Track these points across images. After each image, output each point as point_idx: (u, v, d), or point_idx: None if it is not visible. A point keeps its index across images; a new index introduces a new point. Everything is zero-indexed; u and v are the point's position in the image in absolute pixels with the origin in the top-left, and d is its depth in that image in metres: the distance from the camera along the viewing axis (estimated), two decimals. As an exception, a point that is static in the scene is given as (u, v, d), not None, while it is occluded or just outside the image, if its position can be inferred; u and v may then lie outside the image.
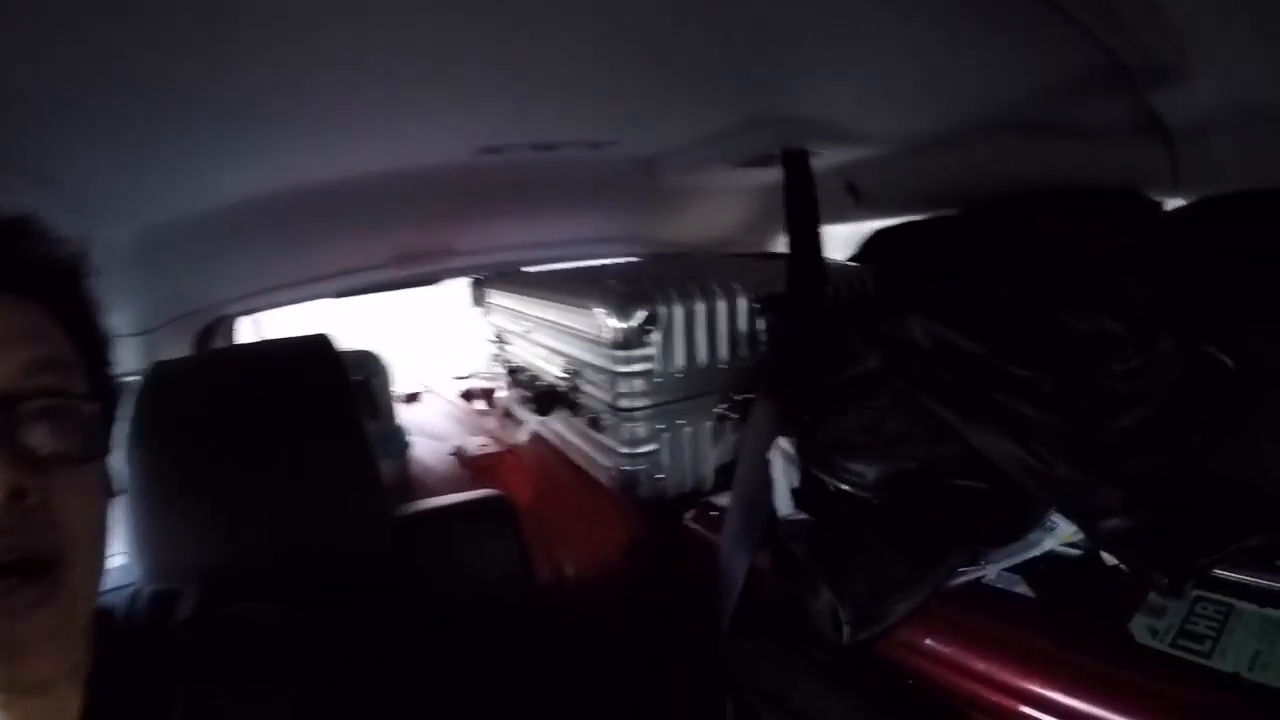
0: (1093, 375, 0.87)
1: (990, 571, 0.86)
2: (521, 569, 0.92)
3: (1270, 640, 0.67)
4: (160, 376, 0.77)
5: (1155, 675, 0.67)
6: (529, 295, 1.36)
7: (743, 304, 1.14)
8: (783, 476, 1.04)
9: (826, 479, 1.01)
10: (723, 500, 1.12)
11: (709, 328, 1.12)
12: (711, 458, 1.17)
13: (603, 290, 1.11)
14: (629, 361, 1.08)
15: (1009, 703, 0.73)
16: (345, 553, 0.78)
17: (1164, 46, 0.90)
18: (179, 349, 1.43)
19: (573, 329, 1.19)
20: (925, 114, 1.25)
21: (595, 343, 1.12)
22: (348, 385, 0.83)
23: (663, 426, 1.12)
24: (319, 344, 0.85)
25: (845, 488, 0.98)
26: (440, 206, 1.51)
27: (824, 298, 1.16)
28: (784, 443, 1.05)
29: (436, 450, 1.46)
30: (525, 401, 1.34)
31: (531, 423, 1.39)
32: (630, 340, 1.06)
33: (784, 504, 1.03)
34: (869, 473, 0.96)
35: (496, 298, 1.57)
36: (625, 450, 1.12)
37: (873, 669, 0.83)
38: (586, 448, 1.22)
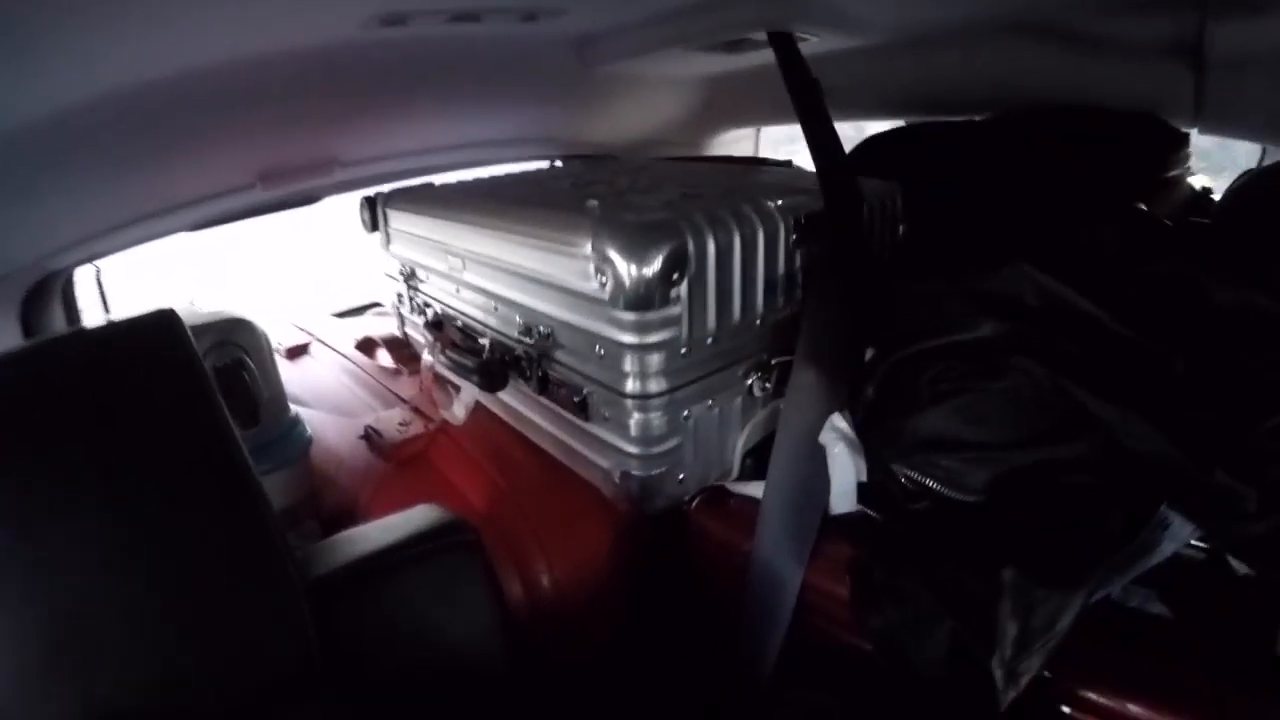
0: (1236, 358, 0.73)
1: (1117, 587, 0.70)
2: (497, 621, 0.69)
3: None
4: None
5: None
6: (459, 220, 0.99)
7: (780, 233, 0.83)
8: (840, 465, 0.80)
9: (911, 474, 0.79)
10: (747, 489, 0.89)
11: (744, 270, 0.81)
12: (740, 441, 0.89)
13: (600, 219, 0.77)
14: (646, 329, 0.75)
15: None
16: (246, 661, 0.55)
17: None
18: (2, 323, 1.16)
19: (541, 275, 0.84)
20: (939, 5, 1.04)
21: (586, 299, 0.78)
22: (211, 399, 0.57)
23: (686, 413, 0.81)
24: (162, 329, 0.57)
25: (934, 485, 0.78)
26: (320, 105, 1.16)
27: (877, 225, 0.93)
28: (839, 420, 0.81)
29: (341, 430, 1.09)
30: (461, 369, 0.98)
31: (470, 394, 1.03)
32: (650, 297, 0.73)
33: (842, 501, 0.81)
34: (976, 475, 0.76)
35: (403, 222, 1.15)
36: (637, 450, 0.80)
37: None
38: (569, 440, 0.90)
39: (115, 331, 0.59)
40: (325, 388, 1.24)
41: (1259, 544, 0.68)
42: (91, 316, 1.34)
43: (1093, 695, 0.65)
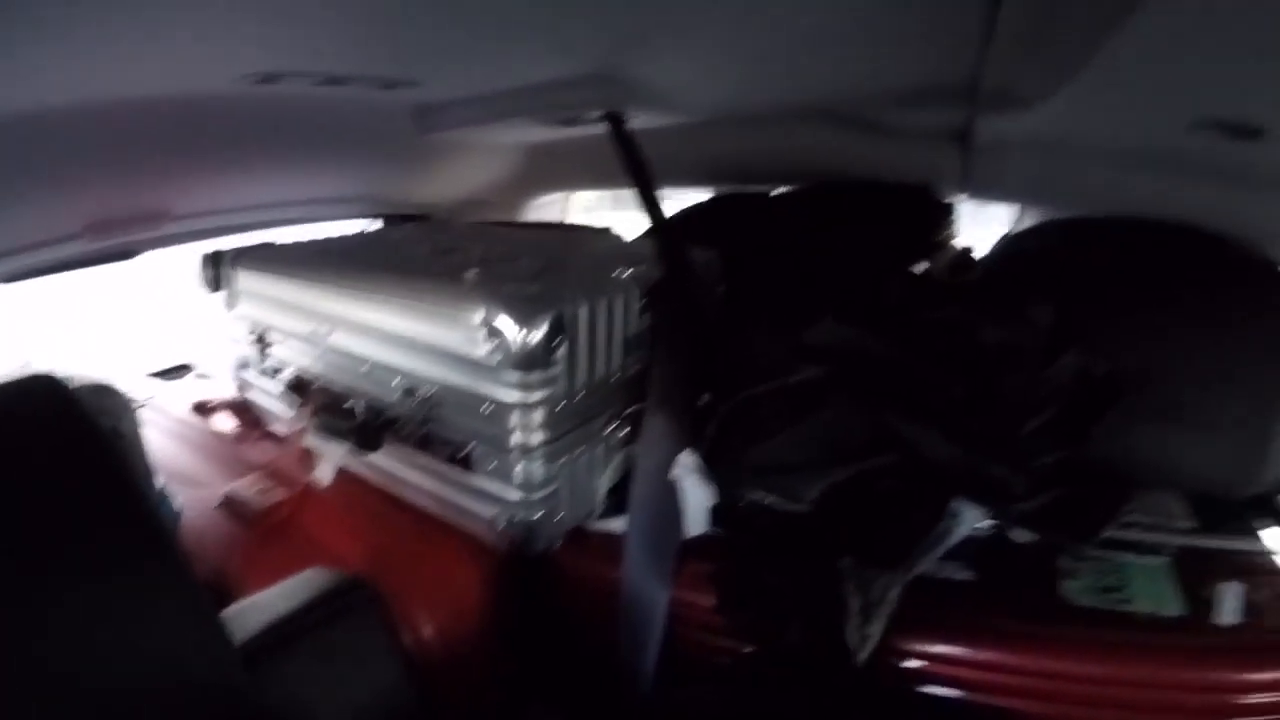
0: (999, 383, 0.92)
1: (931, 563, 0.88)
2: (403, 674, 0.72)
3: (1156, 582, 0.85)
4: None
5: (1097, 628, 0.80)
6: (327, 285, 0.99)
7: (634, 300, 0.94)
8: (692, 494, 0.93)
9: (753, 495, 0.93)
10: (609, 525, 0.98)
11: (608, 331, 0.90)
12: (604, 483, 0.98)
13: (490, 291, 0.83)
14: (530, 388, 0.82)
15: (981, 677, 0.80)
16: None
17: (1024, 81, 0.97)
18: None
19: (425, 341, 0.88)
20: (753, 95, 1.20)
21: (472, 362, 0.84)
22: (116, 462, 0.54)
23: (563, 461, 0.89)
24: (45, 394, 0.55)
25: (772, 501, 0.92)
26: (162, 154, 1.11)
27: (706, 288, 1.05)
28: (687, 457, 0.93)
29: (195, 502, 1.03)
30: (331, 431, 0.98)
31: (336, 456, 1.03)
32: (535, 359, 0.80)
33: (696, 524, 0.93)
34: (810, 489, 0.91)
35: (254, 283, 1.13)
36: (521, 497, 0.87)
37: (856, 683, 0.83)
38: (448, 493, 0.94)
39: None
40: (164, 455, 1.16)
41: (1031, 517, 0.89)
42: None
43: (924, 646, 0.81)
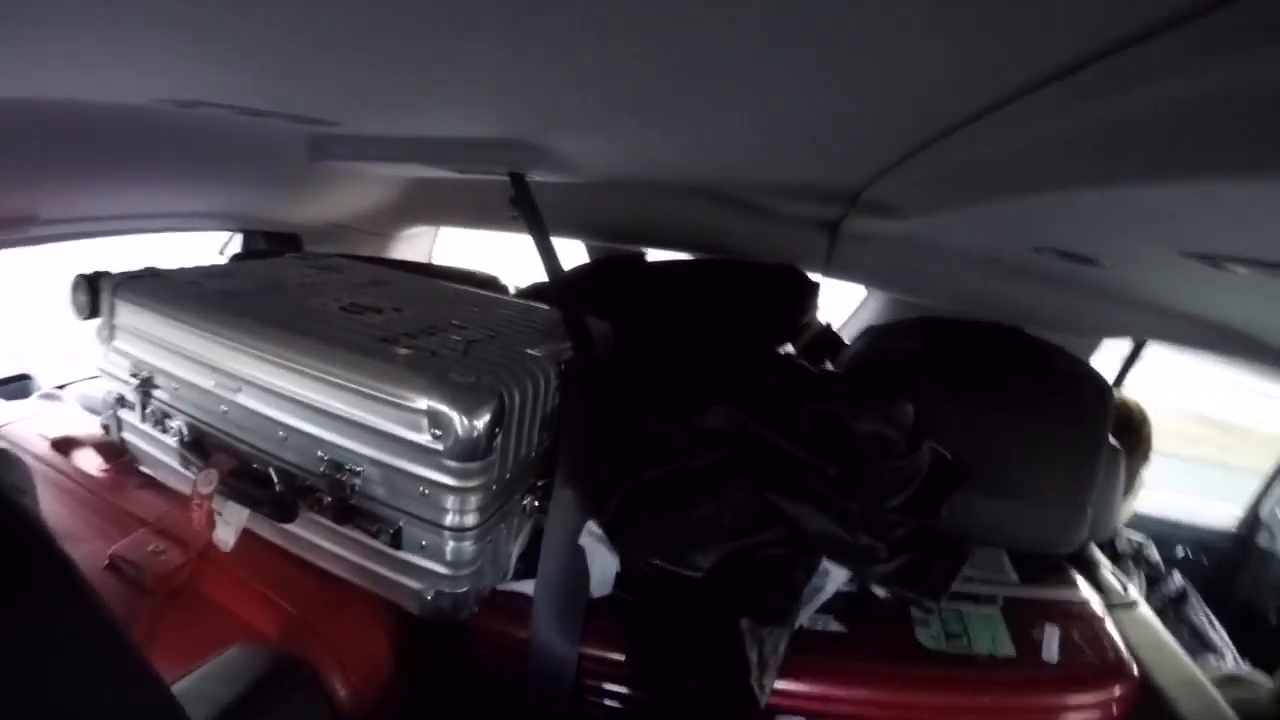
0: (869, 467, 1.08)
1: (805, 618, 1.04)
2: None
3: (991, 627, 1.05)
4: None
5: (946, 667, 0.98)
6: (230, 342, 0.95)
7: (551, 380, 0.99)
8: (599, 559, 1.03)
9: (654, 562, 1.04)
10: (518, 587, 1.04)
11: (532, 412, 0.95)
12: (517, 548, 1.03)
13: (422, 374, 0.84)
14: (470, 475, 0.85)
15: (856, 712, 0.97)
16: None
17: (904, 201, 1.13)
18: None
19: (356, 419, 0.88)
20: (650, 168, 1.27)
21: (409, 445, 0.85)
22: (50, 541, 0.50)
23: (490, 537, 0.92)
24: None
25: (672, 568, 1.04)
26: (39, 159, 1.02)
27: (606, 364, 1.12)
28: (593, 526, 1.03)
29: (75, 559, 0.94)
30: (243, 499, 0.94)
31: (238, 518, 0.98)
32: (478, 448, 0.83)
33: (601, 587, 1.03)
34: (705, 559, 1.03)
35: (140, 320, 1.04)
36: (451, 573, 0.90)
37: None
38: (370, 565, 0.94)
39: None
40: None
41: (890, 577, 1.04)
42: None
43: (807, 689, 0.97)
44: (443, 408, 0.81)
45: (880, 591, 1.08)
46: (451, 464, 0.84)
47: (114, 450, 1.14)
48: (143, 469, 1.13)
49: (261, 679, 0.70)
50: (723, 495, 1.03)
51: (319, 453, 0.92)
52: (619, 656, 0.99)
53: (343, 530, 0.93)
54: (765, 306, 1.41)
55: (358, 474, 0.90)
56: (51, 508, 1.04)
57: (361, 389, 0.86)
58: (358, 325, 0.99)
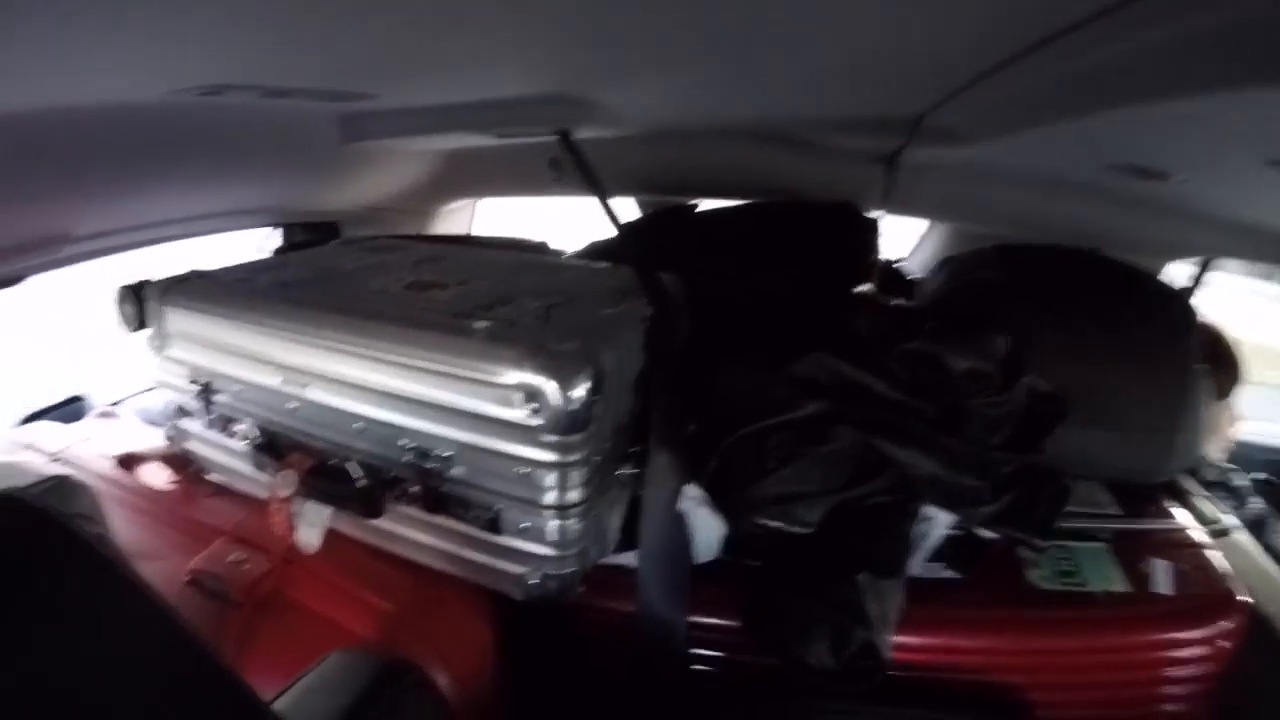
0: (967, 404, 1.04)
1: (916, 566, 1.01)
2: None
3: (1101, 564, 1.03)
4: None
5: (1064, 608, 0.97)
6: (293, 336, 0.90)
7: (637, 336, 0.94)
8: (702, 524, 0.99)
9: (761, 521, 1.00)
10: (618, 560, 1.00)
11: (622, 376, 0.90)
12: (617, 520, 0.98)
13: (509, 345, 0.79)
14: (570, 449, 0.80)
15: (975, 661, 0.94)
16: None
17: (969, 125, 1.06)
18: None
19: (439, 401, 0.83)
20: (698, 113, 1.22)
21: (501, 424, 0.80)
22: (129, 575, 0.50)
23: (594, 512, 0.87)
24: (27, 525, 0.47)
25: (779, 526, 1.00)
26: (69, 174, 0.96)
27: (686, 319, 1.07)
28: (693, 490, 0.99)
29: (151, 577, 0.90)
30: (331, 498, 0.90)
31: (320, 518, 0.94)
32: (577, 420, 0.78)
33: (707, 552, 1.00)
34: (813, 514, 0.99)
35: (192, 324, 0.99)
36: (556, 554, 0.85)
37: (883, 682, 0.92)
38: (467, 553, 0.89)
39: None
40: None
41: (996, 517, 1.00)
42: None
43: (925, 639, 0.95)
44: (538, 380, 0.76)
45: (986, 533, 1.04)
46: (551, 439, 0.79)
47: (180, 462, 1.10)
48: (211, 478, 1.09)
49: (368, 689, 0.66)
50: (828, 446, 0.98)
51: (401, 441, 0.87)
52: (731, 622, 0.96)
53: (435, 520, 0.89)
54: (829, 248, 1.35)
55: (446, 459, 0.85)
56: (124, 527, 1.00)
57: (442, 369, 0.81)
58: (425, 303, 0.94)
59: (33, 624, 0.42)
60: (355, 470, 0.89)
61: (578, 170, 1.07)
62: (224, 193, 1.28)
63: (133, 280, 1.04)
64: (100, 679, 0.44)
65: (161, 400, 1.09)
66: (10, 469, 1.02)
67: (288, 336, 0.91)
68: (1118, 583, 1.00)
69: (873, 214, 1.41)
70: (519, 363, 0.77)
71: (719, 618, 0.97)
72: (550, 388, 0.76)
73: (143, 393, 1.39)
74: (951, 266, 1.33)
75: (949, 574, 1.02)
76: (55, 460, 1.09)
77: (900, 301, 1.36)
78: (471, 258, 1.21)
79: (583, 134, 1.13)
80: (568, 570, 0.87)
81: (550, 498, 0.82)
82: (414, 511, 0.89)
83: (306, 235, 1.59)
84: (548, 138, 1.10)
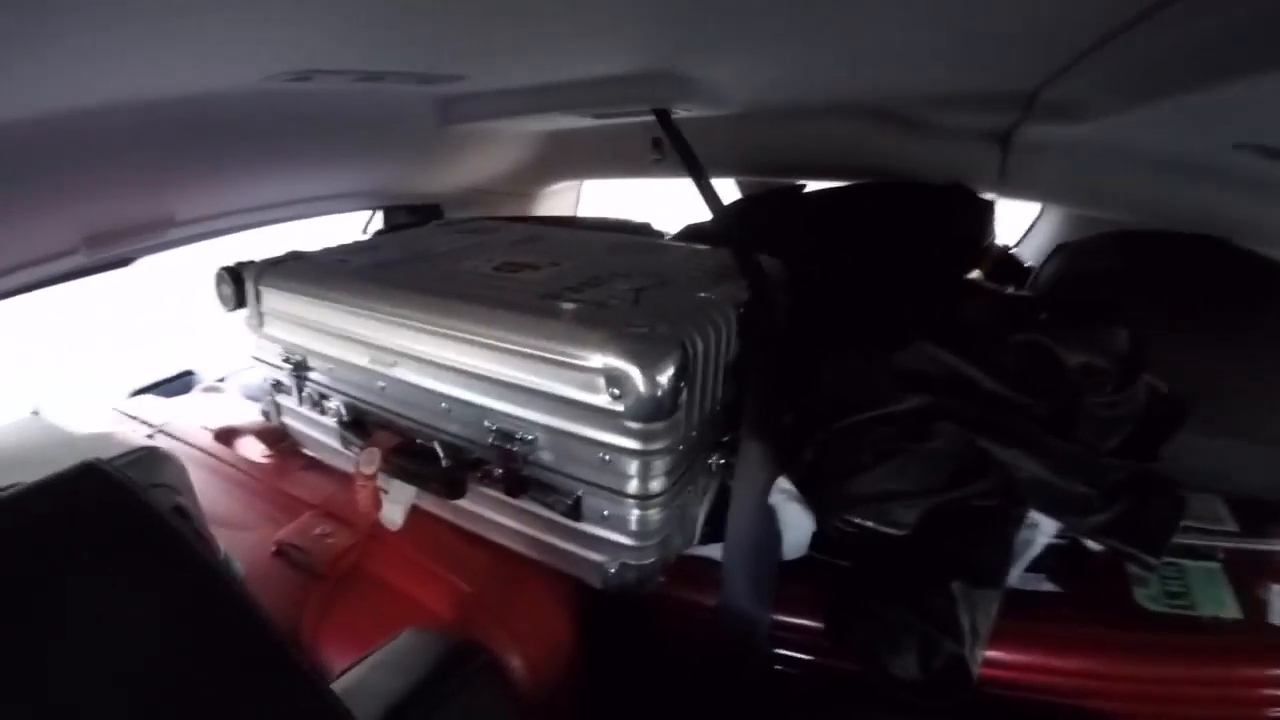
0: (1080, 403, 0.95)
1: (1014, 577, 0.92)
2: None
3: (1214, 586, 0.92)
4: None
5: (1170, 633, 0.86)
6: (383, 315, 0.91)
7: (731, 326, 0.90)
8: (792, 519, 0.94)
9: (854, 520, 0.94)
10: (704, 552, 0.96)
11: (715, 362, 0.87)
12: (703, 511, 0.95)
13: (595, 329, 0.78)
14: (654, 436, 0.78)
15: (1072, 684, 0.85)
16: None
17: (1088, 99, 1.00)
18: None
19: (523, 383, 0.82)
20: (800, 89, 1.18)
21: (585, 408, 0.79)
22: (197, 549, 0.48)
23: (677, 501, 0.85)
24: (108, 494, 0.47)
25: (873, 526, 0.93)
26: (170, 160, 1.02)
27: (785, 305, 1.03)
28: (784, 482, 0.94)
29: (239, 547, 0.93)
30: (413, 478, 0.92)
31: (405, 496, 0.96)
32: (663, 407, 0.76)
33: (795, 549, 0.95)
34: (909, 514, 0.93)
35: (287, 303, 1.02)
36: (637, 544, 0.83)
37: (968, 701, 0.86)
38: (547, 538, 0.89)
39: (47, 506, 0.47)
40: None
41: (1105, 528, 0.92)
42: None
43: (1018, 657, 0.86)
44: (621, 364, 0.74)
45: (1092, 545, 0.95)
46: (633, 426, 0.77)
47: (275, 436, 1.14)
48: (305, 452, 1.12)
49: (436, 668, 0.66)
50: (929, 443, 0.92)
51: (486, 423, 0.87)
52: (816, 625, 0.91)
53: (516, 503, 0.88)
54: (939, 231, 1.28)
55: (529, 443, 0.84)
56: (218, 497, 1.05)
57: (528, 350, 0.80)
58: (515, 284, 0.93)
59: (102, 591, 0.43)
60: (439, 451, 0.90)
61: (675, 148, 1.05)
62: (325, 176, 1.32)
63: (231, 262, 1.08)
64: (161, 648, 0.44)
65: (259, 377, 1.13)
66: (108, 439, 1.07)
67: (376, 316, 0.92)
68: (1231, 609, 0.90)
69: (987, 196, 1.34)
70: (603, 346, 0.75)
71: (804, 618, 0.92)
72: (634, 373, 0.74)
73: (247, 369, 1.44)
74: (1066, 253, 1.24)
75: (1048, 587, 0.94)
76: (157, 432, 1.14)
77: (1011, 290, 1.28)
78: (567, 239, 1.20)
79: (682, 113, 1.11)
80: (648, 560, 0.85)
81: (632, 486, 0.80)
82: (496, 494, 0.89)
83: (409, 218, 1.62)
84: (647, 117, 1.08)
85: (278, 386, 1.09)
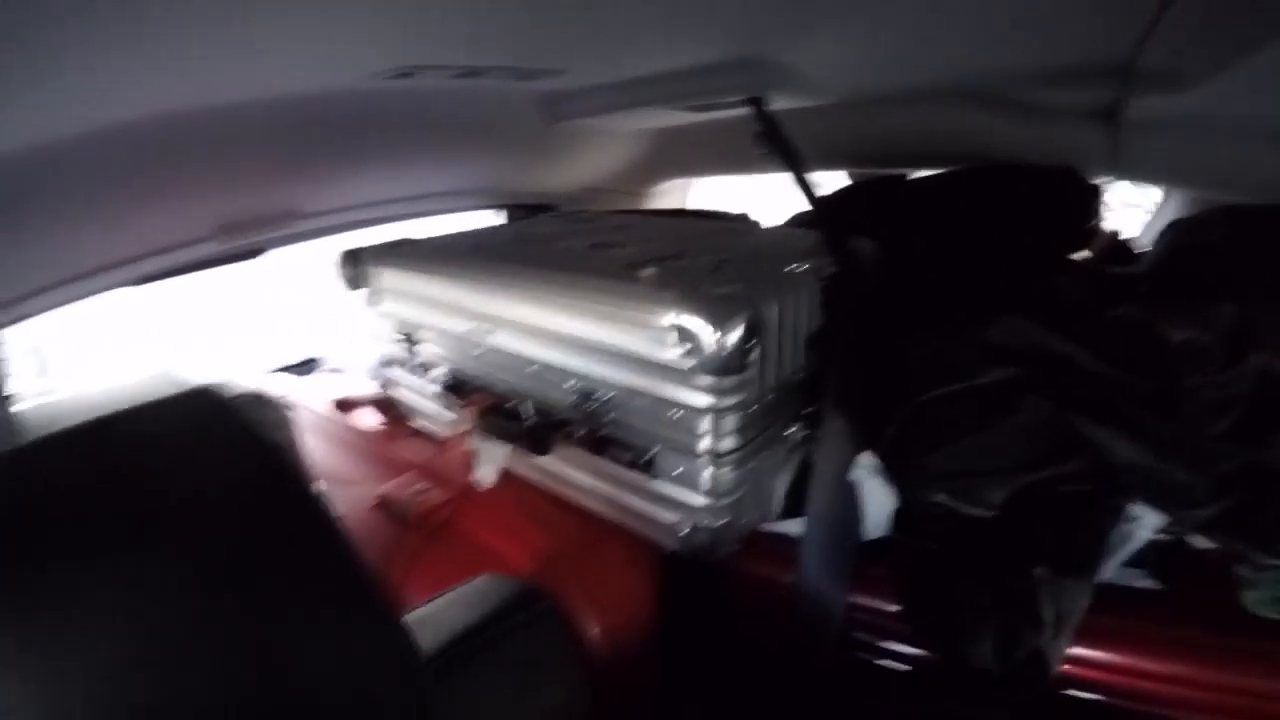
0: (1183, 383, 0.90)
1: (1110, 571, 0.87)
2: (583, 681, 0.70)
3: None
4: None
5: (1276, 640, 0.78)
6: (487, 284, 0.99)
7: (813, 296, 0.92)
8: (873, 496, 0.92)
9: (937, 499, 0.91)
10: (783, 527, 0.96)
11: (793, 330, 0.89)
12: (782, 485, 0.96)
13: (669, 288, 0.82)
14: (724, 393, 0.81)
15: (1165, 690, 0.79)
16: None
17: (1186, 61, 0.94)
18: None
19: (604, 343, 0.87)
20: (895, 74, 1.17)
21: (659, 365, 0.83)
22: (295, 475, 0.52)
23: (751, 464, 0.87)
24: (212, 410, 0.52)
25: (958, 505, 0.90)
26: (293, 155, 1.13)
27: (875, 281, 1.03)
28: (867, 458, 0.92)
29: (346, 502, 1.03)
30: (499, 434, 0.98)
31: (497, 456, 1.03)
32: (730, 363, 0.78)
33: (875, 528, 0.92)
34: (996, 494, 0.88)
35: (399, 281, 1.13)
36: (708, 504, 0.86)
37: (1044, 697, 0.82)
38: (625, 497, 0.93)
39: (158, 417, 0.52)
40: (311, 455, 1.16)
41: (1213, 524, 0.86)
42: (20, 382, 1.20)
43: (1107, 656, 0.81)
44: (691, 322, 0.78)
45: (1199, 541, 0.89)
46: (703, 381, 0.80)
47: (388, 405, 1.25)
48: (414, 423, 1.21)
49: (502, 605, 0.68)
50: (1016, 417, 0.89)
51: (568, 384, 0.92)
52: (893, 608, 0.89)
53: (596, 463, 0.93)
54: (1040, 212, 1.24)
55: (608, 401, 0.89)
56: (331, 457, 1.16)
57: (607, 311, 0.85)
58: (604, 257, 1.00)
59: (195, 487, 0.48)
60: (527, 410, 0.96)
61: (769, 140, 1.07)
62: (439, 173, 1.43)
63: (352, 246, 1.20)
64: (248, 557, 0.48)
65: (376, 352, 1.24)
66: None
67: (476, 286, 1.00)
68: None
69: (1098, 180, 1.29)
70: (676, 304, 0.79)
71: (882, 601, 0.90)
72: (703, 329, 0.77)
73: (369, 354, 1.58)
74: (1170, 230, 1.18)
75: (1146, 583, 0.87)
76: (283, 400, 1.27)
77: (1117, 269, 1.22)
78: (662, 224, 1.26)
79: (778, 104, 1.14)
80: (720, 522, 0.87)
81: (704, 444, 0.83)
82: (579, 454, 0.94)
83: (526, 217, 1.72)
84: (744, 111, 1.12)
85: (390, 360, 1.19)
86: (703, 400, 0.81)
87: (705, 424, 0.82)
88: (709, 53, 1.03)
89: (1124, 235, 1.36)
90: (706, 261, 0.93)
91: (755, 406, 0.85)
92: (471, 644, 0.64)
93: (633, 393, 0.87)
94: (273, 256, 1.37)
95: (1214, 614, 0.81)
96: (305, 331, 1.65)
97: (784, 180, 1.12)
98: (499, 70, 0.99)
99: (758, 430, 0.87)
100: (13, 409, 1.08)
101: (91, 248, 1.08)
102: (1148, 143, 1.19)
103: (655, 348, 0.82)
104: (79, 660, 0.41)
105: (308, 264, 1.56)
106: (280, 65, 0.82)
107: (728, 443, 0.83)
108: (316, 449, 1.19)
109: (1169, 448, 0.87)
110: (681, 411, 0.83)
